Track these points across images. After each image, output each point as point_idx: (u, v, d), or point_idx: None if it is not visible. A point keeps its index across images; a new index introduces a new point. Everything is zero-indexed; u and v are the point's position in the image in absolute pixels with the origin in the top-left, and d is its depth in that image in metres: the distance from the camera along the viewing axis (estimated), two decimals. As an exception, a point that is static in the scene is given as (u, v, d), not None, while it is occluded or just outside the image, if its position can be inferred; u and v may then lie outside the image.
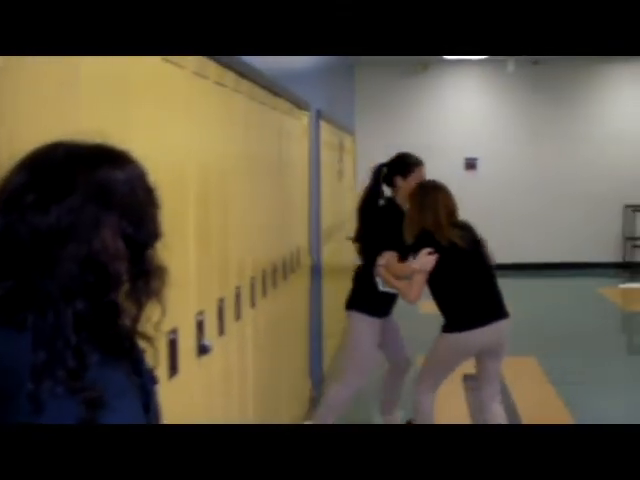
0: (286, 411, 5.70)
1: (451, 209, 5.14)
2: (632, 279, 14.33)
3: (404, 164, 5.82)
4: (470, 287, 5.08)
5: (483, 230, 16.31)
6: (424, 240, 5.05)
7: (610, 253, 15.60)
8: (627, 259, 15.34)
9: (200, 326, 3.35)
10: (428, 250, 4.96)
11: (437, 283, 5.05)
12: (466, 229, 5.17)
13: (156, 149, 2.79)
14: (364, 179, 14.86)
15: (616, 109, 15.41)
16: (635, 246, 15.16)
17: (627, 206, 15.29)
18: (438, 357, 5.25)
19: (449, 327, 5.11)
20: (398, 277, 5.20)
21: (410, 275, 5.07)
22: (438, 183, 5.40)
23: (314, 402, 6.99)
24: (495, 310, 5.16)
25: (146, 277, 1.67)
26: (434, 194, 5.13)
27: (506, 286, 14.93)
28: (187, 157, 3.21)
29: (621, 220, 15.45)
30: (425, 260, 4.97)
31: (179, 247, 3.06)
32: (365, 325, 5.63)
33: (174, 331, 2.95)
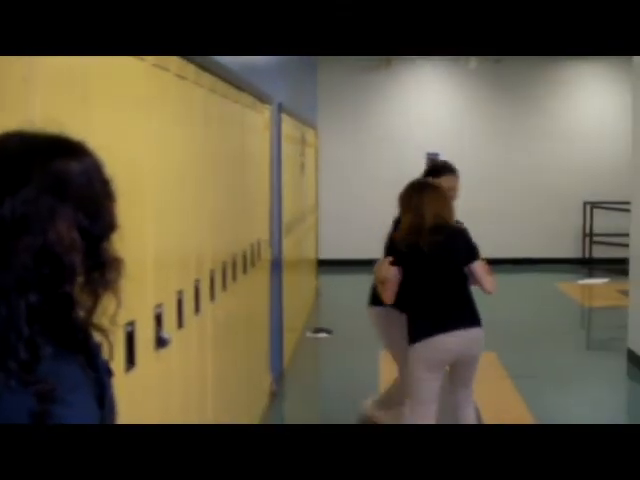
0: (246, 405, 5.69)
1: (434, 212, 4.86)
2: (591, 275, 14.46)
3: (439, 167, 5.75)
4: (430, 295, 4.82)
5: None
6: (387, 246, 5.04)
7: (570, 249, 15.73)
8: (586, 255, 15.48)
9: (158, 319, 3.33)
10: (389, 259, 4.92)
11: (401, 290, 4.93)
12: (444, 233, 4.83)
13: (114, 141, 2.77)
14: (326, 172, 14.88)
15: (576, 106, 15.55)
16: (594, 242, 15.30)
17: (586, 203, 15.42)
18: (410, 372, 4.89)
19: (410, 338, 4.84)
20: (380, 281, 5.07)
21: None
22: (425, 184, 5.17)
23: (274, 396, 7.00)
24: (458, 319, 4.81)
25: (101, 269, 1.66)
26: (418, 196, 5.01)
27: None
28: (146, 149, 3.19)
29: (581, 216, 15.58)
30: (384, 268, 4.94)
31: (137, 239, 3.05)
32: None
33: (131, 323, 2.94)
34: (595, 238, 15.28)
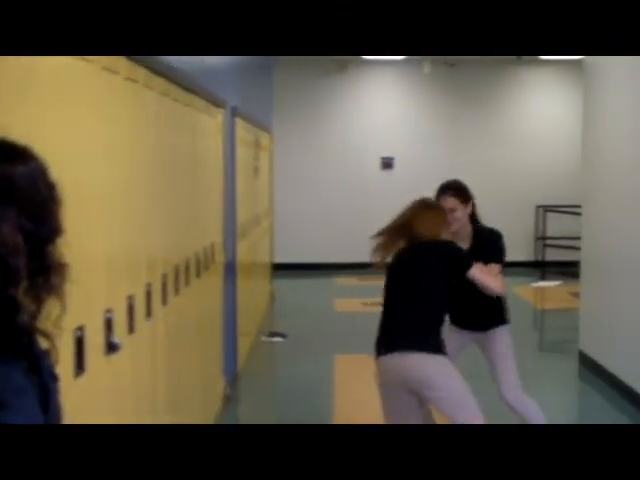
0: (199, 409, 5.67)
1: (413, 231, 4.76)
2: (544, 278, 14.60)
3: (440, 187, 5.62)
4: (386, 311, 4.68)
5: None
6: None
7: (523, 252, 15.86)
8: (539, 258, 15.62)
9: (109, 324, 3.31)
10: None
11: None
12: (414, 250, 4.70)
13: (62, 145, 2.75)
14: (281, 176, 14.87)
15: (530, 111, 15.69)
16: (547, 245, 15.45)
17: (539, 206, 15.57)
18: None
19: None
20: None
21: None
22: (419, 201, 5.10)
23: (228, 400, 6.98)
24: (400, 340, 4.50)
25: (46, 273, 1.64)
26: (403, 213, 4.95)
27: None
28: (94, 153, 3.17)
29: (533, 220, 15.72)
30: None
31: (85, 244, 3.02)
32: None
33: (81, 328, 2.91)
34: (548, 241, 15.42)
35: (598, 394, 7.47)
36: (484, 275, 4.77)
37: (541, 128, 15.67)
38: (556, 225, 15.25)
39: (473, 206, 5.43)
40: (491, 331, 5.42)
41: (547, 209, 15.40)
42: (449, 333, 5.26)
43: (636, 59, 6.81)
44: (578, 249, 8.91)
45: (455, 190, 5.45)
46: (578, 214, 9.01)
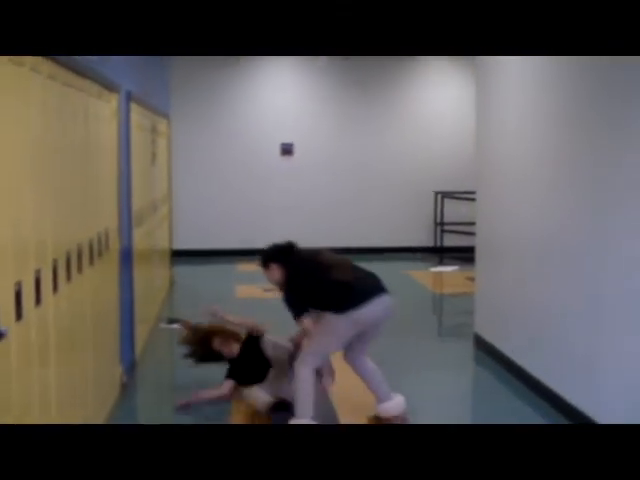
0: (94, 398, 5.61)
1: None
2: (442, 263, 14.81)
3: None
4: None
5: (301, 214, 16.47)
6: None
7: (422, 238, 16.07)
8: (437, 244, 15.84)
9: (-6, 311, 3.25)
10: None
11: None
12: None
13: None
14: (179, 163, 14.74)
15: (427, 101, 15.87)
16: (444, 231, 15.67)
17: (437, 192, 15.78)
18: None
19: None
20: None
21: None
22: None
23: (125, 388, 6.92)
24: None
25: None
26: None
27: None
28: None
29: (432, 206, 15.93)
30: None
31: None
32: None
33: (-37, 316, 2.86)
34: (445, 227, 15.65)
35: (492, 376, 7.62)
36: None
37: (438, 118, 15.88)
38: (454, 211, 15.48)
39: None
40: None
41: (445, 195, 15.62)
42: None
43: (524, 57, 6.99)
44: (474, 234, 9.06)
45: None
46: (474, 200, 9.17)
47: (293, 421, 5.78)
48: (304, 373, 5.81)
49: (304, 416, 5.77)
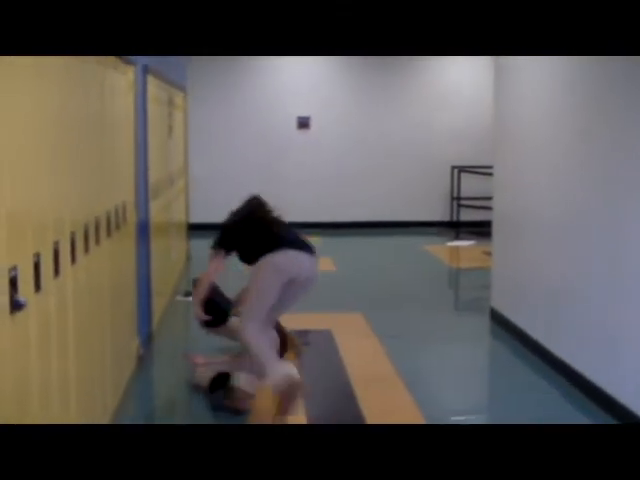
0: (112, 370, 5.64)
1: None
2: (458, 237, 14.79)
3: None
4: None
5: (316, 188, 16.47)
6: None
7: (438, 212, 16.04)
8: (454, 218, 15.81)
9: (13, 282, 3.26)
10: None
11: None
12: None
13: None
14: (196, 136, 14.73)
15: (445, 74, 15.79)
16: (461, 205, 15.64)
17: (454, 167, 15.73)
18: None
19: None
20: None
21: None
22: None
23: (141, 360, 6.95)
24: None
25: None
26: None
27: (338, 243, 15.15)
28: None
29: (449, 180, 15.89)
30: None
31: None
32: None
33: (-18, 287, 2.87)
34: (462, 202, 15.61)
35: (508, 350, 7.62)
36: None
37: (456, 91, 15.81)
38: (471, 186, 15.44)
39: None
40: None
41: (462, 170, 15.57)
42: None
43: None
44: (490, 209, 9.04)
45: None
46: (491, 174, 9.14)
47: (267, 381, 5.43)
48: (250, 328, 5.71)
49: (275, 369, 5.48)
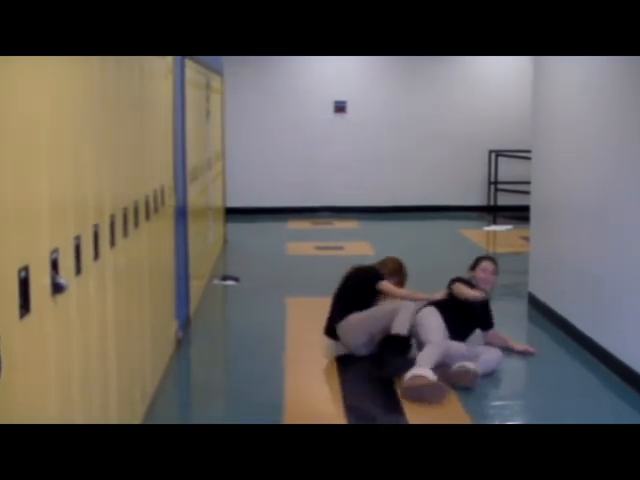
0: (151, 353, 5.67)
1: None
2: (495, 222, 14.71)
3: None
4: None
5: (353, 173, 16.41)
6: None
7: (475, 197, 15.98)
8: (491, 203, 15.73)
9: (55, 264, 3.29)
10: None
11: None
12: None
13: (4, 86, 2.71)
14: (232, 120, 14.73)
15: (482, 59, 15.67)
16: (498, 190, 15.55)
17: (492, 151, 15.64)
18: None
19: None
20: None
21: None
22: None
23: (180, 343, 6.99)
24: None
25: None
26: None
27: (374, 227, 15.14)
28: (39, 94, 3.12)
29: (486, 165, 15.81)
30: None
31: (31, 183, 2.99)
32: None
33: (25, 269, 2.89)
34: (500, 186, 15.52)
35: (546, 335, 7.58)
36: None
37: (493, 74, 15.70)
38: (508, 170, 15.34)
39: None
40: None
41: (499, 154, 15.48)
42: None
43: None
44: (528, 193, 8.97)
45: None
46: (529, 159, 9.07)
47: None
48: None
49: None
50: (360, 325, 6.72)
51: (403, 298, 6.85)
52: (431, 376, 5.89)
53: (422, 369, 5.95)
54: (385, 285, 6.94)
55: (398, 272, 7.20)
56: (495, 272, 7.10)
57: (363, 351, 6.76)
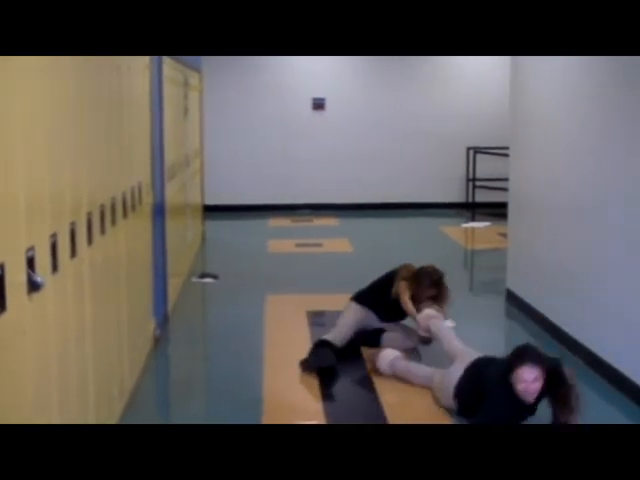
0: (128, 351, 5.66)
1: None
2: (474, 219, 14.75)
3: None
4: None
5: (332, 170, 16.39)
6: None
7: (454, 194, 16.01)
8: (469, 200, 15.77)
9: (31, 262, 3.28)
10: None
11: None
12: None
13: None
14: (211, 117, 14.65)
15: (460, 56, 15.69)
16: (477, 187, 15.59)
17: (469, 148, 15.68)
18: None
19: None
20: None
21: None
22: None
23: (158, 341, 6.98)
24: None
25: None
26: None
27: (354, 224, 15.13)
28: (12, 89, 3.10)
29: (464, 162, 15.85)
30: None
31: (5, 181, 2.98)
32: None
33: (1, 267, 2.88)
34: (478, 183, 15.56)
35: (524, 331, 7.62)
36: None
37: (471, 71, 15.74)
38: (486, 167, 15.38)
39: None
40: None
41: (477, 151, 15.52)
42: None
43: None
44: (506, 190, 9.01)
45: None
46: (507, 156, 9.10)
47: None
48: None
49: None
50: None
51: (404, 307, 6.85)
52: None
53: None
54: (398, 285, 6.86)
55: (415, 279, 6.89)
56: (538, 379, 5.04)
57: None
